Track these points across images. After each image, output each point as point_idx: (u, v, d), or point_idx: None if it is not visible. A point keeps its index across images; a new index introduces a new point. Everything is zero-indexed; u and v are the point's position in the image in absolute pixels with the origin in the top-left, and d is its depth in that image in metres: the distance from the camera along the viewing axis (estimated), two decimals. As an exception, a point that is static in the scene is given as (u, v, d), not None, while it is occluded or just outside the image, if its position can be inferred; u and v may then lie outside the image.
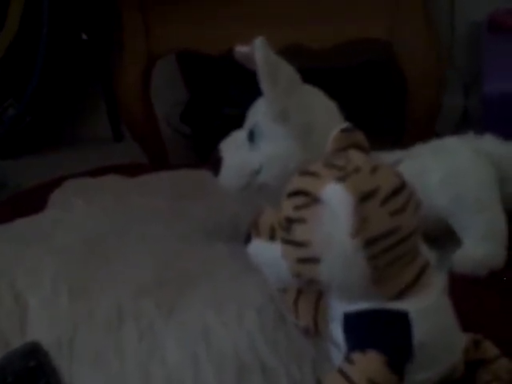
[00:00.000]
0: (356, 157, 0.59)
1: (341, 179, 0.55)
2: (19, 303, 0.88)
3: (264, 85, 0.79)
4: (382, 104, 1.64)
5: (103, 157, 1.72)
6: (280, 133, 0.83)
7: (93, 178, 1.29)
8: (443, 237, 0.86)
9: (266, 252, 0.62)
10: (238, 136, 0.88)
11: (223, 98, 1.68)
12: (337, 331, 0.63)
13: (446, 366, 0.63)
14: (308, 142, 0.83)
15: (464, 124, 1.60)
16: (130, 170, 1.31)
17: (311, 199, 0.57)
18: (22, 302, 0.88)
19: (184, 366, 0.74)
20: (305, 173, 0.59)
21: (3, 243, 1.03)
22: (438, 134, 1.20)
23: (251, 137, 0.86)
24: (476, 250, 0.85)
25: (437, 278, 0.63)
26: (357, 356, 0.58)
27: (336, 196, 0.53)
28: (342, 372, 0.58)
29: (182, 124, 1.74)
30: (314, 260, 0.56)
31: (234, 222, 1.03)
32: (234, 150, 0.88)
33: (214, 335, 0.77)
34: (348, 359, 0.59)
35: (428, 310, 0.60)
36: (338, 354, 0.63)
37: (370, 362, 0.57)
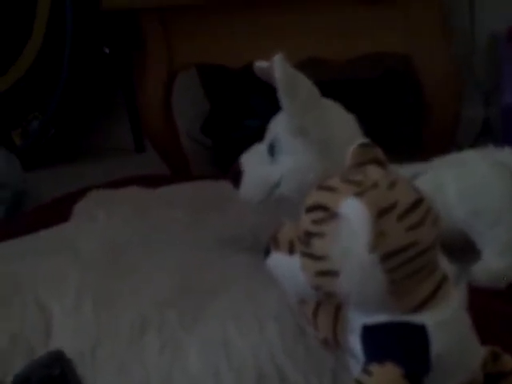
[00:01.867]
0: (374, 172, 0.60)
1: (358, 194, 0.56)
2: (44, 313, 0.90)
3: (283, 100, 0.81)
4: (401, 115, 1.64)
5: (125, 168, 1.75)
6: (299, 147, 0.84)
7: (115, 190, 1.31)
8: (463, 249, 0.86)
9: (285, 265, 0.63)
10: (259, 149, 0.90)
11: (244, 109, 1.69)
12: (355, 343, 0.63)
13: (463, 379, 0.63)
14: (327, 156, 0.84)
15: (484, 135, 1.60)
16: (152, 181, 1.33)
17: (329, 214, 0.58)
18: (46, 312, 0.90)
19: (205, 377, 0.76)
20: (323, 187, 0.60)
21: (27, 254, 1.06)
22: (457, 145, 1.21)
23: (271, 150, 0.87)
24: (495, 262, 0.86)
25: (455, 291, 0.63)
26: (374, 368, 0.59)
27: (354, 211, 0.55)
28: (359, 383, 0.58)
29: (202, 136, 1.76)
30: (332, 273, 0.57)
31: (254, 233, 1.04)
32: (255, 163, 0.89)
33: (234, 346, 0.79)
34: (365, 370, 0.59)
35: (446, 322, 0.61)
36: (356, 366, 0.64)
37: (387, 373, 0.58)
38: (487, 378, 0.67)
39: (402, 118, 1.64)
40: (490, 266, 0.86)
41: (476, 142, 1.47)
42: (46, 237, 1.14)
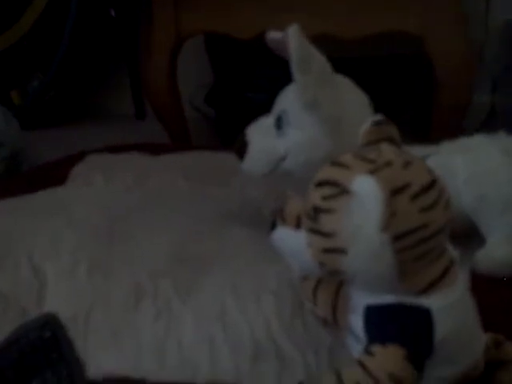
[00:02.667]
0: (388, 150, 0.59)
1: (372, 172, 0.55)
2: (37, 275, 0.88)
3: (296, 73, 0.79)
4: (410, 97, 1.62)
5: (125, 134, 1.73)
6: (308, 121, 0.83)
7: (115, 155, 1.30)
8: (467, 235, 0.85)
9: (290, 240, 0.61)
10: (265, 122, 0.88)
11: (248, 82, 1.67)
12: (357, 322, 0.62)
13: (465, 364, 0.62)
14: (336, 133, 0.82)
15: (491, 121, 1.58)
16: (152, 149, 1.31)
17: (340, 190, 0.56)
18: (40, 273, 0.88)
19: (199, 347, 0.75)
20: (335, 163, 0.59)
21: (22, 215, 1.04)
22: (464, 130, 1.19)
23: (278, 123, 0.86)
24: (500, 249, 0.85)
25: (461, 276, 0.62)
26: (377, 349, 0.58)
27: (366, 188, 0.53)
28: (361, 364, 0.57)
29: (205, 106, 1.74)
30: (339, 251, 0.56)
31: (255, 206, 1.03)
32: (261, 135, 0.87)
33: (231, 318, 0.78)
34: (368, 351, 0.58)
35: (452, 306, 0.60)
36: (355, 345, 0.63)
37: (390, 355, 0.57)
38: (488, 365, 0.66)
39: (409, 100, 1.63)
40: (493, 253, 0.85)
41: (482, 127, 1.46)
42: (43, 198, 1.12)
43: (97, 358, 0.75)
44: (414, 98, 1.63)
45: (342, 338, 0.70)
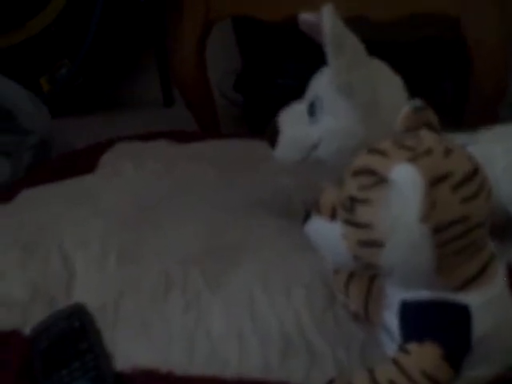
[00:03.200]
0: (428, 137, 0.56)
1: (412, 160, 0.52)
2: (66, 264, 0.87)
3: (330, 55, 0.76)
4: (444, 83, 1.58)
5: (153, 121, 1.71)
6: (343, 107, 0.80)
7: (144, 142, 1.28)
8: (505, 228, 0.82)
9: (325, 232, 0.59)
10: (298, 108, 0.85)
11: (277, 68, 1.64)
12: (391, 318, 0.60)
13: (504, 363, 0.60)
14: (371, 119, 0.79)
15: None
16: (181, 137, 1.29)
17: (378, 179, 0.54)
18: (69, 262, 0.88)
19: (228, 339, 0.73)
20: (373, 151, 0.56)
21: (51, 203, 1.03)
22: (500, 117, 1.16)
23: (311, 110, 0.83)
24: (539, 242, 0.81)
25: (501, 271, 0.60)
26: (413, 347, 0.55)
27: (406, 177, 0.51)
28: (396, 362, 0.55)
29: (234, 93, 1.72)
30: (376, 243, 0.53)
31: (286, 195, 1.00)
32: (293, 122, 0.85)
33: (260, 310, 0.76)
34: (403, 349, 0.56)
35: (491, 303, 0.57)
36: (390, 343, 0.61)
37: (426, 353, 0.55)
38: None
39: (445, 85, 1.58)
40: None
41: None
42: (72, 186, 1.11)
43: (125, 349, 0.75)
44: (449, 83, 1.59)
45: (374, 335, 0.68)
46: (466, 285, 0.56)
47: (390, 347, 0.60)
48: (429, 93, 1.52)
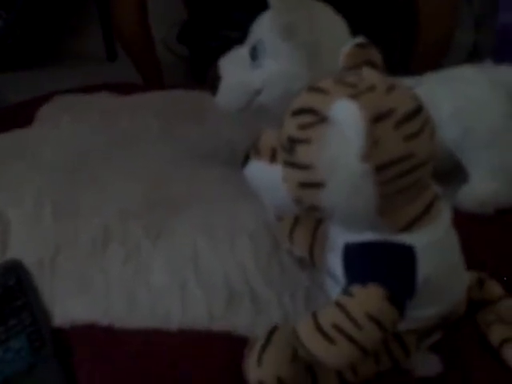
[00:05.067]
0: (370, 75, 0.54)
1: (353, 97, 0.50)
2: (1, 221, 0.83)
3: (271, -4, 0.73)
4: (390, 32, 1.56)
5: (95, 76, 1.64)
6: (285, 50, 0.77)
7: (84, 95, 1.23)
8: (449, 172, 0.81)
9: (265, 175, 0.57)
10: (239, 53, 0.82)
11: (222, 19, 1.59)
12: (335, 262, 0.59)
13: (448, 303, 0.60)
14: (314, 62, 0.77)
15: (472, 60, 1.53)
16: (124, 89, 1.24)
17: (318, 118, 0.52)
18: (3, 219, 0.84)
19: (171, 290, 0.71)
20: (313, 89, 0.54)
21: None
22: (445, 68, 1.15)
23: (254, 54, 0.80)
24: (483, 186, 0.81)
25: (445, 212, 0.59)
26: (357, 289, 0.54)
27: (347, 114, 0.48)
28: (339, 305, 0.54)
29: (178, 45, 1.67)
30: (317, 184, 0.52)
31: (230, 146, 0.98)
32: (235, 67, 0.82)
33: (204, 260, 0.74)
34: (347, 292, 0.55)
35: (435, 244, 0.56)
36: (334, 286, 0.60)
37: (370, 295, 0.53)
38: (471, 304, 0.64)
39: (390, 32, 1.56)
40: (476, 190, 0.81)
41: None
42: (7, 140, 1.06)
43: (64, 304, 0.72)
44: (395, 31, 1.57)
45: (319, 281, 0.67)
46: (409, 225, 0.55)
47: (334, 291, 0.59)
48: (376, 43, 1.50)
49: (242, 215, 0.79)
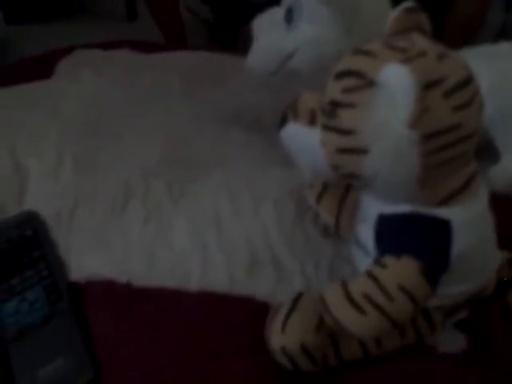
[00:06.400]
0: (421, 40, 0.52)
1: (404, 62, 0.48)
2: (19, 170, 0.82)
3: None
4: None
5: (114, 34, 1.62)
6: (322, 13, 0.74)
7: (105, 51, 1.21)
8: (482, 150, 0.79)
9: (302, 138, 0.55)
10: (274, 14, 0.80)
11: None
12: (366, 233, 0.57)
13: (479, 281, 0.58)
14: (351, 27, 0.74)
15: (499, 40, 1.50)
16: (145, 47, 1.22)
17: (365, 81, 0.50)
18: (22, 169, 0.82)
19: (192, 252, 0.70)
20: (359, 52, 0.52)
21: (5, 107, 0.96)
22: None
23: (289, 16, 0.77)
24: (515, 166, 0.79)
25: (483, 189, 0.57)
26: (390, 260, 0.53)
27: (398, 79, 0.46)
28: (371, 275, 0.52)
29: (202, 6, 1.63)
30: (359, 151, 0.50)
31: (253, 111, 0.95)
32: (268, 28, 0.79)
33: (227, 224, 0.73)
34: (379, 263, 0.53)
35: (472, 220, 0.55)
36: (363, 258, 0.59)
37: (404, 267, 0.52)
38: (500, 284, 0.62)
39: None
40: (508, 169, 0.79)
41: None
42: (26, 92, 1.04)
43: (81, 259, 0.71)
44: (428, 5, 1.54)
45: (344, 251, 0.65)
46: (448, 199, 0.53)
47: (363, 262, 0.57)
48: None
49: (266, 182, 0.77)
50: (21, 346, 0.62)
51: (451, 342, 0.60)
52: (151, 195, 0.77)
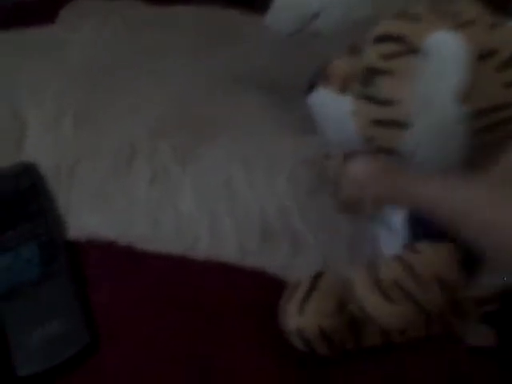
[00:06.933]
0: (470, 7, 0.47)
1: (454, 29, 0.43)
2: (17, 120, 0.78)
3: None
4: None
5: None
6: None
7: (109, 1, 1.14)
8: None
9: (332, 105, 0.51)
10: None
11: None
12: (396, 214, 0.53)
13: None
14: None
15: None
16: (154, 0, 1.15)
17: (407, 47, 0.45)
18: (20, 119, 0.78)
19: (199, 218, 0.66)
20: (402, 15, 0.47)
21: (5, 51, 0.92)
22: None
23: (316, -27, 0.72)
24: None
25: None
26: (424, 246, 0.49)
27: (447, 47, 0.42)
28: (402, 260, 0.49)
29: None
30: (397, 124, 0.46)
31: (270, 71, 0.90)
32: (292, -16, 0.74)
33: (239, 192, 0.69)
34: (411, 248, 0.49)
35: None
36: (390, 239, 0.55)
37: (439, 254, 0.48)
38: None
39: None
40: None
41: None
42: (27, 37, 0.98)
43: (80, 216, 0.67)
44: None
45: (364, 229, 0.61)
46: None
47: (389, 244, 0.54)
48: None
49: (280, 150, 0.73)
50: (13, 305, 0.59)
51: (479, 335, 0.57)
52: (158, 156, 0.73)
